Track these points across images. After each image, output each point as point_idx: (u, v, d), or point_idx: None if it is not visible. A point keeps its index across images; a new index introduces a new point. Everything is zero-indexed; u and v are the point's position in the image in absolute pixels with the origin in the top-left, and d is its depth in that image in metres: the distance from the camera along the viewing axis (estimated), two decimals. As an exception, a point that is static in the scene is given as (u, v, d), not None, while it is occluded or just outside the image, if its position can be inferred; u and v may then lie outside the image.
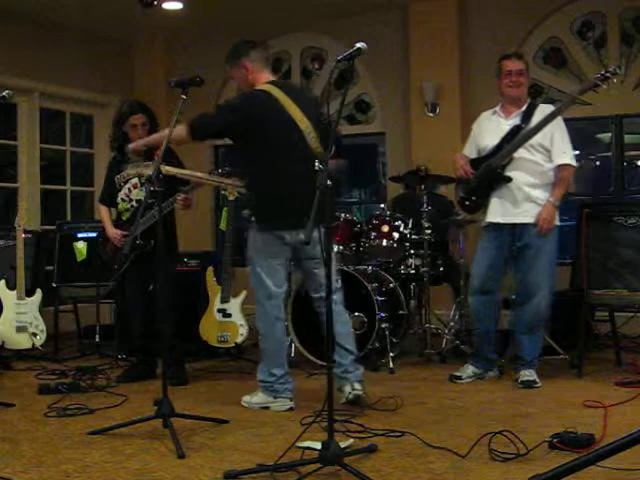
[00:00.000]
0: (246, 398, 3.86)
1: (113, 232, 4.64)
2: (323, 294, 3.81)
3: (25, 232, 5.51)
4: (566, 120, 4.32)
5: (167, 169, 3.57)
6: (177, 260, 5.03)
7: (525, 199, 4.19)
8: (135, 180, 4.57)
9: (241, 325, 4.98)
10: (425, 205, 5.14)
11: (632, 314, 5.12)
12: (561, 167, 4.21)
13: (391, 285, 5.19)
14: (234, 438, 3.22)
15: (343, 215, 5.31)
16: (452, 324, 5.43)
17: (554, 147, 4.20)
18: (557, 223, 4.24)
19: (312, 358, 4.87)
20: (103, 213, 4.79)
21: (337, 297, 3.76)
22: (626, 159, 6.74)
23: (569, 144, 4.24)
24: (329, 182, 2.69)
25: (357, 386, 3.74)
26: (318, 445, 2.67)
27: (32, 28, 6.91)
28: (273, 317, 3.79)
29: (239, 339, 5.01)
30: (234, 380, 4.66)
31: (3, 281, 5.44)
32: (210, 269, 5.20)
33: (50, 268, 6.02)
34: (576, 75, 6.64)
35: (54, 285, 5.92)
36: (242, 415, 3.65)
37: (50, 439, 3.24)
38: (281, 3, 6.82)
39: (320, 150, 3.76)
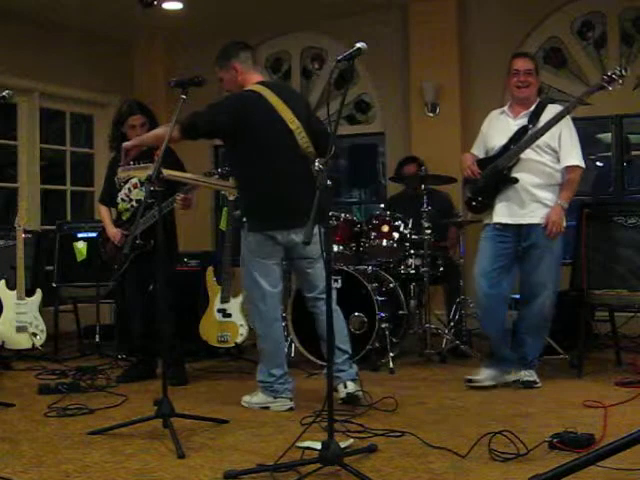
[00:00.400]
0: (246, 398, 3.86)
1: (113, 232, 4.64)
2: (315, 294, 3.82)
3: (25, 232, 5.51)
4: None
5: (168, 172, 3.56)
6: (177, 260, 5.03)
7: (532, 200, 4.17)
8: (135, 180, 4.57)
9: (241, 325, 4.98)
10: (425, 205, 5.14)
11: (632, 314, 5.12)
12: (569, 168, 4.17)
13: (391, 285, 5.19)
14: (234, 438, 3.22)
15: (343, 215, 5.31)
16: (452, 324, 5.43)
17: (562, 148, 4.17)
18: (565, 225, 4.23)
19: (312, 358, 4.87)
20: (103, 213, 4.79)
21: None
22: (631, 158, 6.75)
23: (578, 145, 4.20)
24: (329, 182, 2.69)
25: (350, 385, 3.74)
26: (318, 445, 2.66)
27: (32, 28, 6.91)
28: (271, 318, 3.79)
29: (239, 339, 5.02)
30: (234, 380, 4.66)
31: (3, 281, 5.44)
32: (210, 269, 5.21)
33: (50, 268, 6.02)
34: (576, 75, 6.64)
35: (54, 285, 5.92)
36: (242, 415, 3.65)
37: (50, 439, 3.24)
38: (281, 3, 6.82)
39: (311, 150, 3.76)
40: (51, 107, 7.49)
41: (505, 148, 4.22)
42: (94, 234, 5.50)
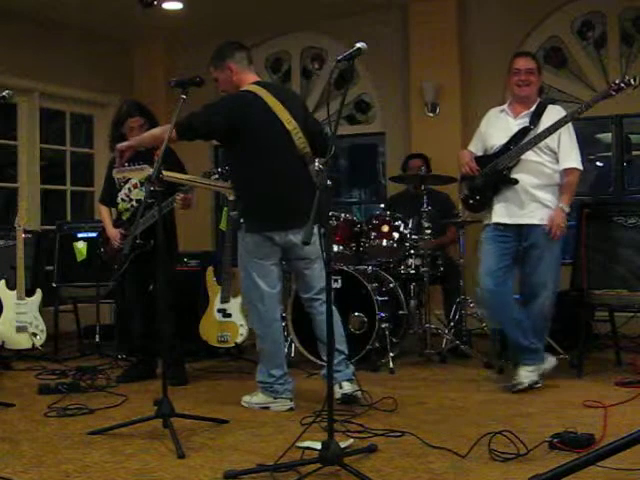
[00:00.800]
0: (246, 398, 3.86)
1: (113, 232, 4.64)
2: (312, 294, 3.82)
3: (25, 232, 5.51)
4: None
5: (166, 174, 3.56)
6: (177, 260, 5.03)
7: (531, 200, 4.16)
8: (135, 180, 4.57)
9: (241, 325, 4.98)
10: (425, 205, 5.14)
11: (632, 314, 5.11)
12: (567, 171, 4.17)
13: (391, 285, 5.19)
14: (234, 438, 3.22)
15: (343, 215, 5.31)
16: (452, 324, 5.43)
17: (561, 150, 4.16)
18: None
19: (312, 358, 4.87)
20: (103, 213, 4.80)
21: (324, 297, 3.72)
22: (631, 158, 6.74)
23: (576, 147, 4.20)
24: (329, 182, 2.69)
25: (346, 385, 3.74)
26: (318, 445, 2.66)
27: (32, 27, 6.91)
28: (270, 318, 3.78)
29: (239, 339, 5.02)
30: (234, 380, 4.66)
31: (3, 281, 5.44)
32: (210, 269, 5.21)
33: (50, 268, 6.02)
34: (576, 75, 6.64)
35: (54, 285, 5.92)
36: (242, 415, 3.65)
37: (50, 439, 3.24)
38: (281, 3, 6.81)
39: (307, 151, 3.76)
40: (51, 107, 7.48)
41: (505, 147, 4.21)
42: (94, 234, 5.50)
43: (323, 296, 3.70)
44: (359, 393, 3.75)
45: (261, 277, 3.75)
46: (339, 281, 4.95)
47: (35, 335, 5.38)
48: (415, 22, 6.94)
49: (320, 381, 3.93)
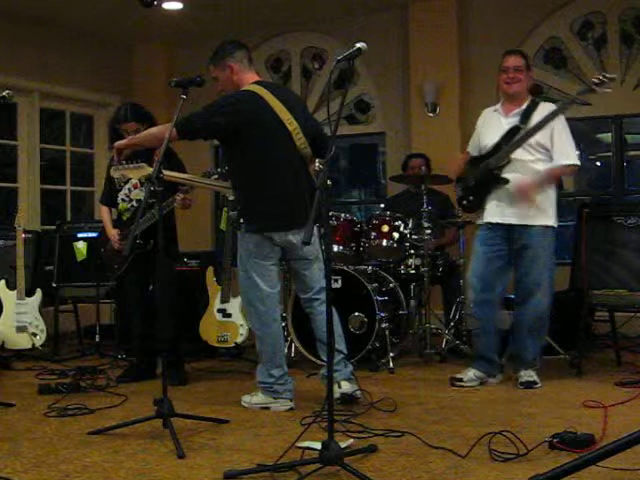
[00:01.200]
0: (246, 398, 3.86)
1: (112, 232, 4.64)
2: (310, 295, 3.82)
3: (25, 232, 5.52)
4: (566, 120, 4.30)
5: (166, 173, 3.55)
6: (177, 260, 5.03)
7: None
8: (135, 180, 4.57)
9: (241, 325, 4.99)
10: (425, 205, 5.14)
11: (632, 314, 5.12)
12: (564, 167, 4.20)
13: (391, 285, 5.19)
14: (234, 438, 3.21)
15: (343, 215, 5.31)
16: (451, 324, 5.43)
17: (554, 147, 4.16)
18: (553, 225, 4.21)
19: (312, 358, 4.87)
20: (103, 213, 4.79)
21: (323, 297, 3.73)
22: (631, 158, 6.74)
23: (572, 143, 4.19)
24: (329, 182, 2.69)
25: (344, 384, 3.73)
26: (318, 445, 2.66)
27: (32, 27, 6.92)
28: (270, 318, 3.78)
29: (239, 339, 5.02)
30: (234, 380, 4.66)
31: (3, 281, 5.44)
32: (210, 269, 5.21)
33: (50, 268, 6.02)
34: (576, 75, 6.63)
35: (54, 285, 5.92)
36: (242, 415, 3.64)
37: (50, 439, 3.24)
38: (281, 3, 6.82)
39: (307, 151, 3.75)
40: (51, 107, 7.49)
41: (496, 147, 4.23)
42: (94, 234, 5.50)
43: (322, 296, 3.71)
44: (358, 392, 3.75)
45: (261, 277, 3.75)
46: (339, 281, 4.95)
47: (35, 335, 5.39)
48: (415, 22, 6.94)
49: (320, 381, 3.92)
